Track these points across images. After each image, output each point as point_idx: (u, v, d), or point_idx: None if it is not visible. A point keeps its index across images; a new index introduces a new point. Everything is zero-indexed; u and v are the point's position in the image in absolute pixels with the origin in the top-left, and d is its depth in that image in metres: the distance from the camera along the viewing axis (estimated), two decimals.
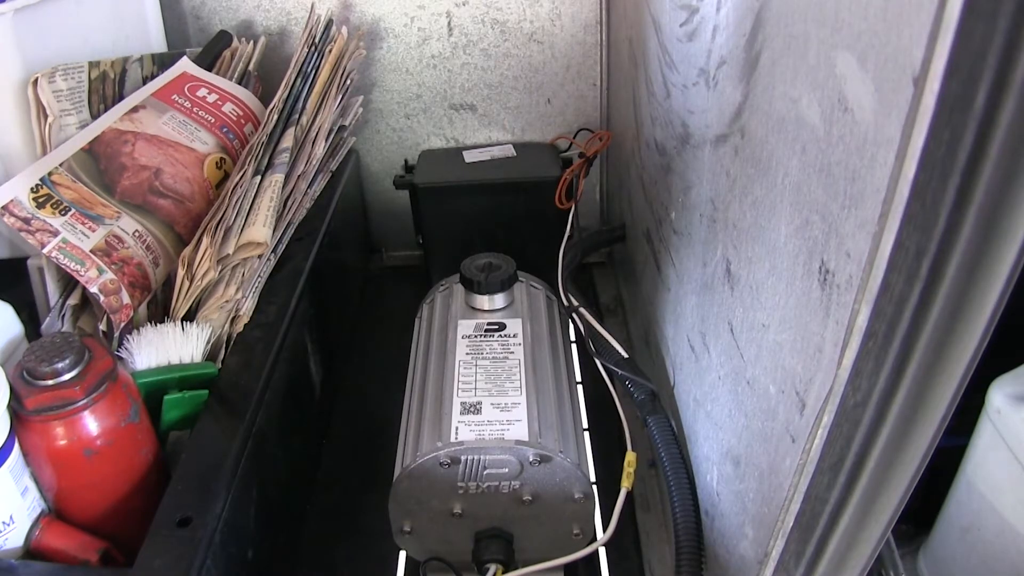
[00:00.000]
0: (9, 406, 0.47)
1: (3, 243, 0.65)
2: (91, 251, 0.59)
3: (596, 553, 0.64)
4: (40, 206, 0.60)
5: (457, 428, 0.55)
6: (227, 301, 0.63)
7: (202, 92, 0.77)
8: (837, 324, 0.31)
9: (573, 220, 0.87)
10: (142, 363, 0.57)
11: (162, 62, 0.78)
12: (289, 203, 0.74)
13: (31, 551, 0.50)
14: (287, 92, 0.77)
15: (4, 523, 0.48)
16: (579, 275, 0.91)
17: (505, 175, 0.90)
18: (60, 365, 0.47)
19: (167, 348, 0.58)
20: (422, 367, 0.64)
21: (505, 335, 0.64)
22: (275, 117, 0.75)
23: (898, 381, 0.30)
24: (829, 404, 0.32)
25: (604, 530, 0.57)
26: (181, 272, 0.62)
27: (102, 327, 0.60)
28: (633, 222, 0.86)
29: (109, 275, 0.59)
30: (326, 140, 0.79)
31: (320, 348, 0.75)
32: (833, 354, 0.31)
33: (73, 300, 0.62)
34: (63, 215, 0.60)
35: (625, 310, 0.93)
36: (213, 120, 0.75)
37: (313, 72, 0.80)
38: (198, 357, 0.59)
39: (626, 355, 0.70)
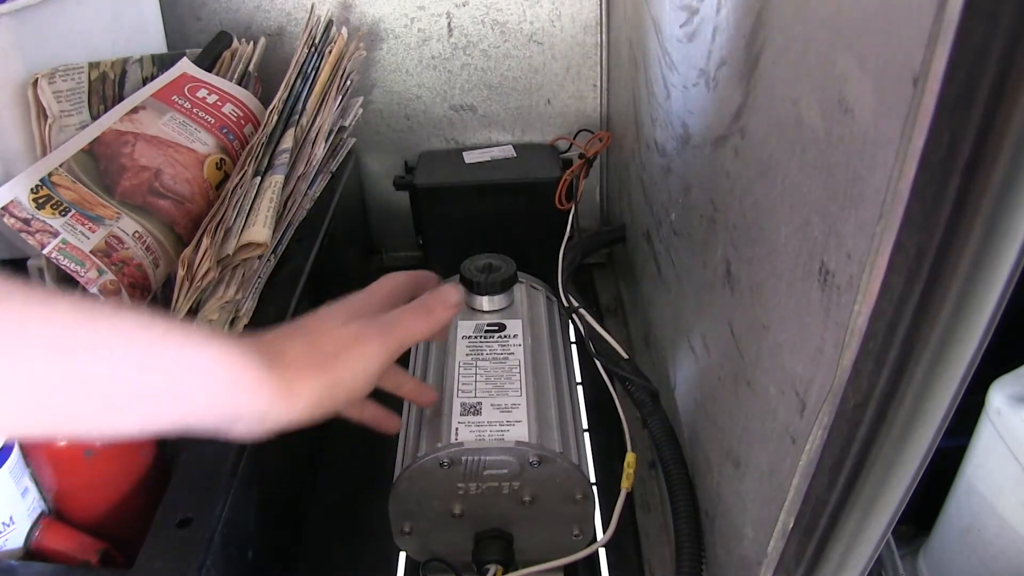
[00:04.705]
0: None
1: (3, 244, 0.65)
2: (91, 252, 0.59)
3: (596, 554, 0.64)
4: (40, 207, 0.60)
5: (457, 429, 0.55)
6: (227, 302, 0.63)
7: (202, 93, 0.77)
8: (837, 325, 0.31)
9: (573, 221, 0.87)
10: None
11: (162, 63, 0.78)
12: (289, 204, 0.74)
13: (31, 552, 0.50)
14: (287, 93, 0.77)
15: (4, 524, 0.48)
16: (579, 276, 0.91)
17: (505, 176, 0.90)
18: None
19: None
20: (422, 368, 0.64)
21: (505, 336, 0.64)
22: (275, 118, 0.75)
23: (898, 382, 0.30)
24: (829, 405, 0.32)
25: (604, 531, 0.57)
26: (181, 273, 0.62)
27: None
28: (633, 223, 0.86)
29: (109, 276, 0.59)
30: (326, 141, 0.79)
31: None
32: (833, 355, 0.31)
33: None
34: (63, 216, 0.60)
35: (625, 311, 0.93)
36: (213, 121, 0.75)
37: (313, 73, 0.80)
38: None
39: (626, 356, 0.70)
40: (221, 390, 0.36)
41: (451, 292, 0.46)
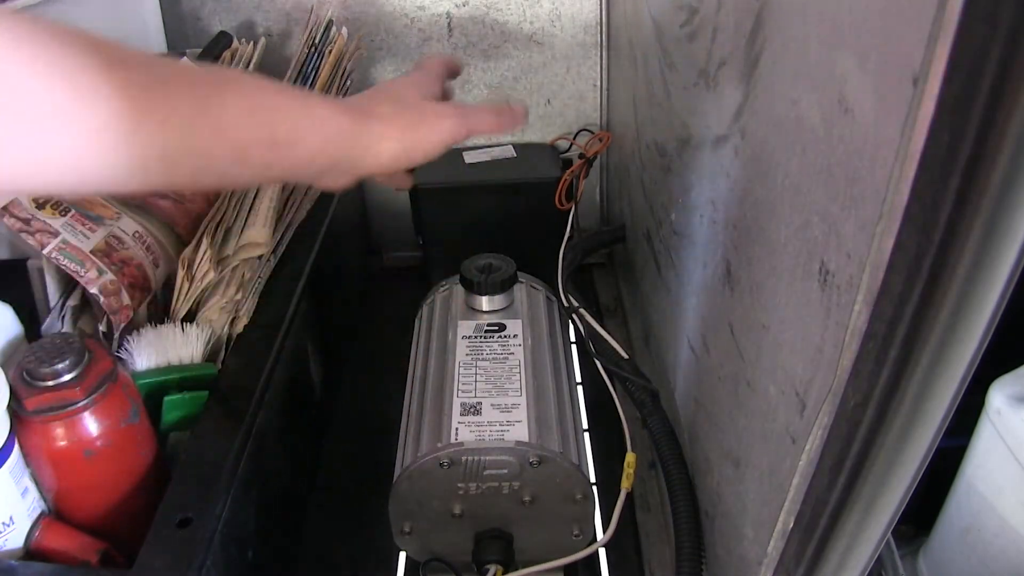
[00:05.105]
0: (9, 407, 0.47)
1: (3, 243, 0.65)
2: (91, 252, 0.59)
3: (596, 554, 0.64)
4: (40, 207, 0.60)
5: (457, 429, 0.55)
6: (228, 302, 0.63)
7: None
8: (837, 325, 0.31)
9: (573, 221, 0.87)
10: (142, 364, 0.57)
11: None
12: (289, 204, 0.74)
13: (31, 552, 0.50)
14: None
15: (4, 524, 0.48)
16: (579, 276, 0.91)
17: (505, 176, 0.90)
18: (60, 366, 0.47)
19: (167, 349, 0.58)
20: (422, 368, 0.64)
21: (505, 336, 0.64)
22: None
23: (898, 382, 0.30)
24: (829, 405, 0.32)
25: (604, 531, 0.57)
26: (181, 273, 0.62)
27: (102, 328, 0.60)
28: (633, 223, 0.86)
29: (109, 276, 0.59)
30: None
31: (320, 348, 0.75)
32: (833, 355, 0.31)
33: (73, 301, 0.62)
34: (63, 216, 0.60)
35: (625, 311, 0.93)
36: None
37: (313, 73, 0.80)
38: (198, 358, 0.59)
39: (626, 355, 0.70)
40: (330, 139, 0.42)
41: (522, 111, 0.52)
